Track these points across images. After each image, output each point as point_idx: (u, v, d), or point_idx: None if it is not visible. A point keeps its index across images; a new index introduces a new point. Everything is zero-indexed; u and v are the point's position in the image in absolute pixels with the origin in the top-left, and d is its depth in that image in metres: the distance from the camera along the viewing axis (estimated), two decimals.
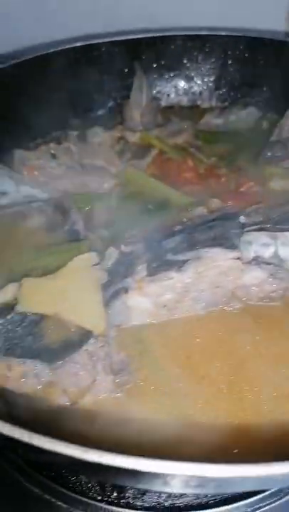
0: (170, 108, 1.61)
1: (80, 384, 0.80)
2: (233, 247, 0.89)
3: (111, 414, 0.78)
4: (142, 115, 1.51)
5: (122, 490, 0.93)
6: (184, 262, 0.89)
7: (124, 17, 1.58)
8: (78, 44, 1.47)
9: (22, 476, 0.95)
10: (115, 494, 0.93)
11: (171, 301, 0.90)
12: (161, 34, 1.52)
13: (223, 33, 1.51)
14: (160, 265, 0.90)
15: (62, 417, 0.78)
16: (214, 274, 0.90)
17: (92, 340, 0.81)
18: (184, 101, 1.61)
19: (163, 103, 1.61)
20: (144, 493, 0.93)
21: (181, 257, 0.90)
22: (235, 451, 0.73)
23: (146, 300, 0.89)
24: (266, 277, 0.90)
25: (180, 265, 0.88)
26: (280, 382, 0.82)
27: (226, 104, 1.58)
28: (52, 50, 1.43)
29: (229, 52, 1.53)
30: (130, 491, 0.93)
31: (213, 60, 1.56)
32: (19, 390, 0.80)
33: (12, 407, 0.78)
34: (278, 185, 1.25)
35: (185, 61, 1.56)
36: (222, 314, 0.92)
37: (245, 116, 1.53)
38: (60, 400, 0.79)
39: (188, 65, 1.57)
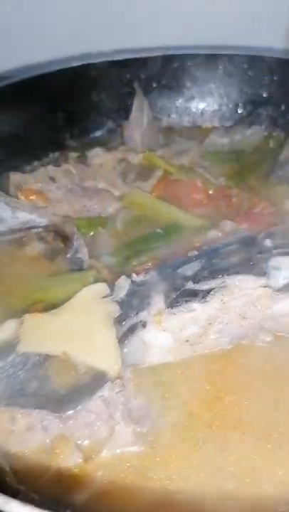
0: (171, 128, 1.55)
1: (95, 437, 0.69)
2: (261, 273, 0.80)
3: (135, 473, 0.66)
4: (143, 136, 1.44)
5: None
6: (208, 291, 0.79)
7: (122, 35, 1.52)
8: (75, 64, 1.42)
9: None
10: None
11: (193, 335, 0.80)
12: (161, 53, 1.47)
13: (224, 52, 1.47)
14: (180, 296, 0.80)
15: (76, 479, 0.67)
16: (241, 304, 0.80)
17: (107, 385, 0.71)
18: (186, 121, 1.55)
19: (164, 123, 1.54)
20: None
21: (203, 286, 0.80)
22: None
23: (166, 335, 0.79)
24: None
25: (203, 295, 0.79)
26: None
27: (229, 124, 1.52)
28: (48, 70, 1.37)
29: (231, 71, 1.49)
30: None
31: (214, 80, 1.51)
32: (24, 445, 0.68)
33: (15, 470, 0.66)
34: None
35: (186, 80, 1.51)
36: (250, 349, 0.82)
37: (250, 136, 1.46)
38: (73, 456, 0.68)
39: (189, 84, 1.52)
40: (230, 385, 0.77)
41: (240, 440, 0.70)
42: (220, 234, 1.07)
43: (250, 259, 0.84)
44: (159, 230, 1.10)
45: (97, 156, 1.26)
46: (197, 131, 1.53)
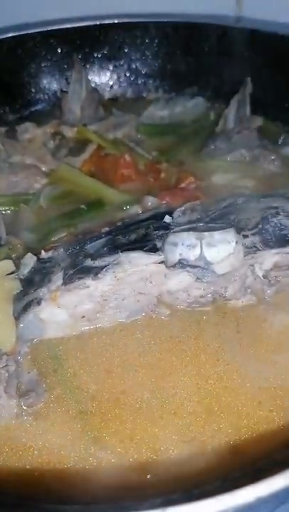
0: (114, 100, 1.53)
1: None
2: (154, 250, 0.82)
3: (15, 443, 0.70)
4: (82, 108, 1.42)
5: None
6: (102, 268, 0.81)
7: (59, 4, 1.48)
8: (10, 35, 1.38)
9: None
10: None
11: (90, 311, 0.82)
12: (99, 22, 1.44)
13: (165, 20, 1.43)
14: (75, 273, 0.82)
15: None
16: (135, 281, 0.82)
17: None
18: (129, 92, 1.53)
19: (107, 95, 1.52)
20: None
21: (98, 263, 0.82)
22: (148, 476, 0.66)
23: (61, 311, 0.81)
24: (192, 281, 0.82)
25: (96, 272, 0.80)
26: (201, 400, 0.74)
27: (173, 94, 1.50)
28: None
29: (173, 40, 1.46)
30: None
31: (156, 49, 1.47)
32: None
33: None
34: (221, 179, 1.17)
35: (127, 50, 1.48)
36: (148, 322, 0.85)
37: (191, 107, 1.45)
38: None
39: (130, 54, 1.48)
40: (122, 358, 0.79)
41: (121, 412, 0.73)
42: (140, 210, 1.08)
43: (148, 235, 0.85)
44: (82, 206, 1.11)
45: (27, 130, 1.25)
46: (140, 103, 1.51)
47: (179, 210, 1.00)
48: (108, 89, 1.51)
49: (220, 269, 0.82)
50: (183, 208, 1.00)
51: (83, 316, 0.82)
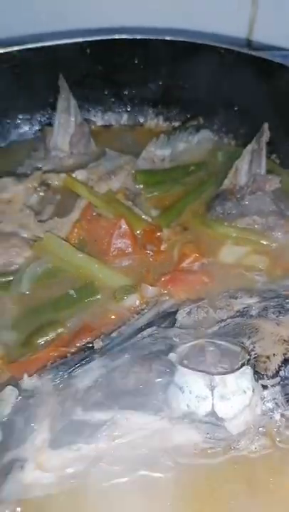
0: (108, 127, 1.32)
1: None
2: (156, 406, 0.69)
3: None
4: (72, 143, 1.22)
5: None
6: (96, 428, 0.68)
7: (43, 18, 1.22)
8: None
9: None
10: None
11: (80, 472, 0.71)
12: (90, 39, 1.19)
13: (168, 38, 1.20)
14: (65, 431, 0.69)
15: None
16: (135, 438, 0.70)
17: None
18: (124, 119, 1.32)
19: (99, 122, 1.31)
20: None
21: (91, 418, 0.69)
22: None
23: (48, 475, 0.69)
24: (201, 439, 0.71)
25: (90, 433, 0.68)
26: None
27: (175, 124, 1.30)
28: None
29: (176, 62, 1.23)
30: None
31: (157, 71, 1.25)
32: None
33: None
34: (229, 255, 1.02)
35: (123, 71, 1.25)
36: (147, 478, 0.73)
37: (196, 144, 1.26)
38: None
39: (126, 76, 1.26)
40: None
41: None
42: (137, 302, 0.94)
43: (148, 382, 0.72)
44: (71, 292, 0.96)
45: (5, 188, 1.06)
46: (138, 133, 1.31)
47: (182, 310, 0.88)
48: (100, 115, 1.30)
49: (234, 428, 0.70)
50: (188, 309, 0.88)
51: (73, 477, 0.71)
